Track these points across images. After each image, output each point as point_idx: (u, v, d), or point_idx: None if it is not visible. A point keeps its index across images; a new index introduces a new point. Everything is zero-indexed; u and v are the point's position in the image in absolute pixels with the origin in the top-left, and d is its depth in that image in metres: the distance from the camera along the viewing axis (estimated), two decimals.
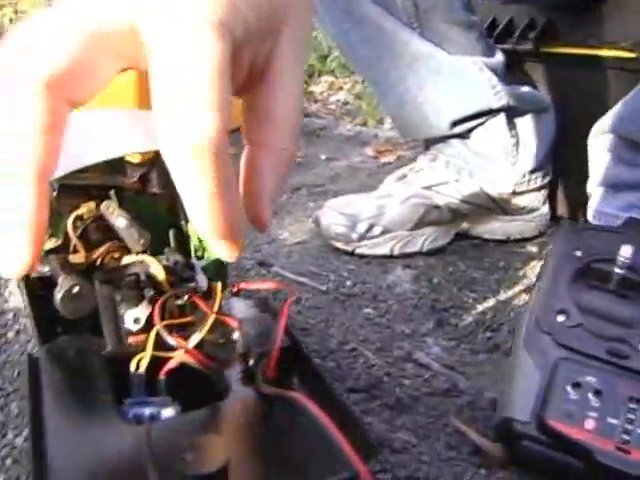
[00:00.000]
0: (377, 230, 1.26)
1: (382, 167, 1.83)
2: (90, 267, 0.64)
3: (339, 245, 1.27)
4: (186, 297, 0.59)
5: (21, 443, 0.76)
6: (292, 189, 1.64)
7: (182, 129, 0.29)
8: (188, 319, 0.58)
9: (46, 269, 0.63)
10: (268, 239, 1.35)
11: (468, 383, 0.86)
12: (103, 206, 0.62)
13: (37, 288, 0.64)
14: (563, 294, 0.75)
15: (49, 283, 0.61)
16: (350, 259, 1.26)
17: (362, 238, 1.25)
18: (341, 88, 2.72)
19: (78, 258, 0.64)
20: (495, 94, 1.24)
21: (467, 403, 0.82)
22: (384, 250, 1.26)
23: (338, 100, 2.60)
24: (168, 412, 0.49)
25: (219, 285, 0.59)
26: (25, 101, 0.30)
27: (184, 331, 0.57)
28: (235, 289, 0.61)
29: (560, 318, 0.73)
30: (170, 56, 0.29)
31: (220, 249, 0.34)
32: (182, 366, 0.52)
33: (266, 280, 0.55)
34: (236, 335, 0.54)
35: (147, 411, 0.49)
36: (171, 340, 0.51)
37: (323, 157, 1.91)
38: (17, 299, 1.07)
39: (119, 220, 0.61)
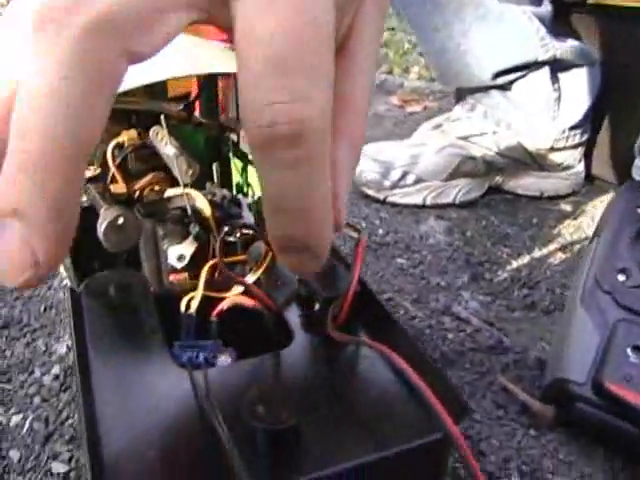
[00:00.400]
0: (410, 179, 1.21)
1: (408, 116, 1.78)
2: (130, 199, 0.60)
3: (371, 192, 1.23)
4: (239, 234, 0.55)
5: (49, 381, 0.74)
6: None
7: (284, 110, 0.23)
8: (240, 258, 0.54)
9: (85, 199, 0.59)
10: None
11: (513, 340, 0.83)
12: (152, 132, 0.58)
13: None
14: (624, 253, 0.71)
15: (88, 214, 0.57)
16: (381, 207, 1.22)
17: (395, 186, 1.21)
18: None
19: (119, 188, 0.60)
20: (542, 46, 1.19)
21: (513, 361, 0.78)
22: (416, 200, 1.22)
23: None
24: (224, 358, 0.45)
25: None
26: (65, 51, 0.22)
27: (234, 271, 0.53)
28: None
29: (621, 277, 0.69)
30: (267, 16, 0.23)
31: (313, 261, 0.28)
32: (237, 307, 0.48)
33: None
34: (296, 276, 0.50)
35: (201, 355, 0.45)
36: (233, 274, 0.47)
37: None
38: None
39: (168, 148, 0.56)
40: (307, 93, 0.23)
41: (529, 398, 0.70)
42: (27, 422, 0.69)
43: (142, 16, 0.23)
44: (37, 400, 0.71)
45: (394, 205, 1.22)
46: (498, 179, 1.29)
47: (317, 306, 0.46)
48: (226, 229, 0.50)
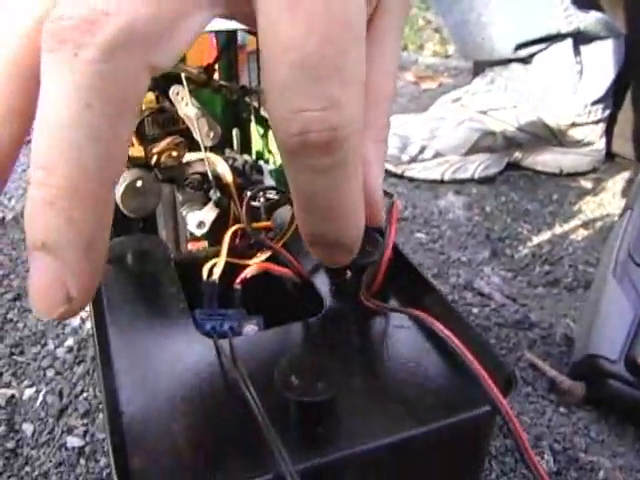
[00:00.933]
0: (429, 153, 1.19)
1: (423, 93, 1.75)
2: (148, 164, 0.58)
3: (388, 166, 1.20)
4: (262, 199, 0.52)
5: (63, 354, 0.72)
6: None
7: (316, 118, 0.21)
8: (264, 224, 0.52)
9: None
10: None
11: (539, 316, 0.80)
12: (172, 91, 0.55)
13: None
14: None
15: None
16: (398, 181, 1.19)
17: (412, 160, 1.19)
18: None
19: (137, 152, 0.57)
20: (565, 17, 1.15)
21: (540, 337, 0.76)
22: (434, 175, 1.20)
23: None
24: (251, 327, 0.43)
25: None
26: (85, 76, 0.20)
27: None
28: None
29: None
30: (294, 16, 0.21)
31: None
32: (262, 275, 0.46)
33: None
34: None
35: (226, 324, 0.43)
36: (263, 239, 0.44)
37: None
38: None
39: (189, 108, 0.54)
40: (339, 99, 0.21)
41: (558, 375, 0.68)
42: (40, 395, 0.67)
43: (164, 25, 0.21)
44: (50, 373, 0.69)
45: (412, 180, 1.20)
46: (517, 155, 1.26)
47: (349, 273, 0.43)
48: (250, 193, 0.48)
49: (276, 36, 0.21)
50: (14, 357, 0.72)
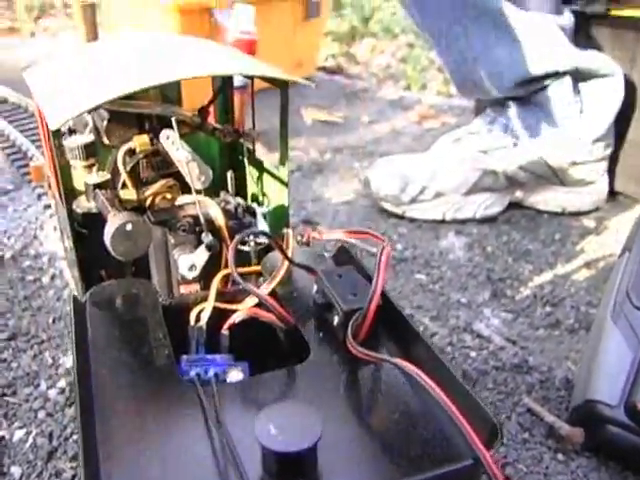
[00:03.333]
0: (429, 193, 1.18)
1: (426, 132, 1.75)
2: (141, 206, 0.58)
3: (388, 207, 1.20)
4: (253, 243, 0.52)
5: (55, 395, 0.71)
6: (333, 150, 1.57)
7: None
8: (254, 268, 0.52)
9: (92, 205, 0.57)
10: (312, 197, 1.28)
11: (537, 359, 0.79)
12: (162, 135, 0.55)
13: (82, 225, 0.57)
14: None
15: (95, 220, 0.55)
16: (399, 222, 1.19)
17: (413, 201, 1.18)
18: (383, 51, 2.63)
19: (129, 195, 0.57)
20: (564, 56, 1.16)
21: (539, 381, 0.75)
22: (436, 215, 1.19)
23: (380, 63, 2.50)
24: (235, 373, 0.42)
25: (290, 232, 0.52)
26: None
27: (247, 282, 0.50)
28: (305, 239, 0.54)
29: None
30: None
31: None
32: (250, 320, 0.45)
33: (345, 229, 0.48)
34: (314, 288, 0.47)
35: (211, 371, 0.42)
36: (248, 285, 0.44)
37: (365, 119, 1.83)
38: (53, 242, 1.02)
39: (180, 152, 0.54)
40: None
41: (557, 420, 0.67)
42: (30, 437, 0.66)
43: None
44: (42, 414, 0.69)
45: (413, 220, 1.19)
46: (519, 194, 1.26)
47: (336, 319, 0.43)
48: (239, 237, 0.47)
49: None
50: (6, 398, 0.71)
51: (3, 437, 0.66)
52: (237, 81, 0.69)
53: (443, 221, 1.20)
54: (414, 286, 0.98)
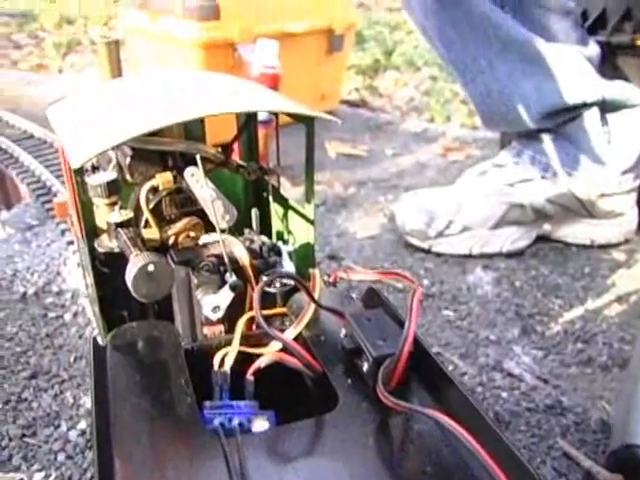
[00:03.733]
0: (456, 227, 1.17)
1: (451, 165, 1.74)
2: (164, 245, 0.56)
3: (414, 241, 1.18)
4: (278, 284, 0.50)
5: (75, 437, 0.70)
6: (358, 183, 1.56)
7: None
8: (280, 310, 0.50)
9: (114, 244, 0.55)
10: (337, 232, 1.27)
11: (572, 399, 0.77)
12: (186, 172, 0.54)
13: (104, 264, 0.56)
14: None
15: (118, 260, 0.54)
16: (425, 257, 1.17)
17: (439, 235, 1.17)
18: (406, 84, 2.63)
19: (152, 233, 0.56)
20: (591, 87, 1.14)
21: (573, 423, 0.72)
22: (462, 249, 1.17)
23: (404, 96, 2.50)
24: (261, 423, 0.40)
25: (317, 272, 0.50)
26: None
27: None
28: (332, 279, 0.52)
29: None
30: None
31: None
32: (275, 365, 0.44)
33: (374, 270, 0.46)
34: (342, 332, 0.45)
35: (235, 420, 0.40)
36: (273, 331, 0.42)
37: (389, 152, 1.83)
38: (76, 279, 1.01)
39: (204, 190, 0.53)
40: None
41: (594, 465, 0.64)
42: None
43: None
44: (61, 457, 0.67)
45: (439, 255, 1.18)
46: (547, 227, 1.24)
47: (365, 366, 0.41)
48: (265, 279, 0.46)
49: None
50: (26, 439, 0.70)
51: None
52: (261, 115, 0.68)
53: (470, 255, 1.18)
54: (441, 322, 0.96)
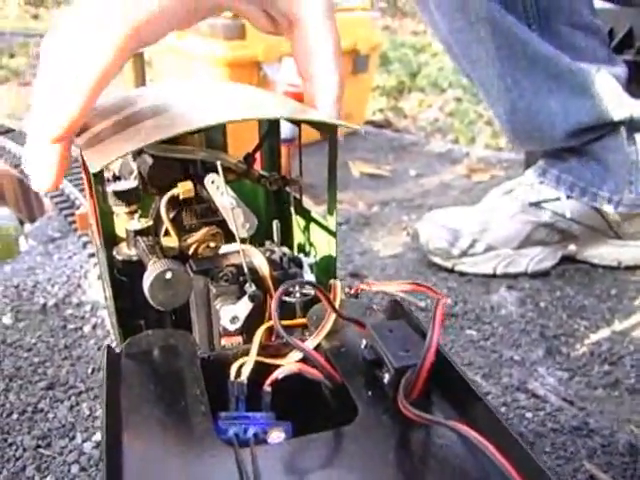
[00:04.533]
0: (480, 247, 1.15)
1: (475, 185, 1.72)
2: (183, 254, 0.56)
3: (437, 260, 1.17)
4: (298, 294, 0.49)
5: (90, 449, 0.69)
6: (381, 203, 1.55)
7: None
8: (300, 321, 0.49)
9: (133, 252, 0.55)
10: (360, 250, 1.25)
11: (598, 421, 0.74)
12: (207, 179, 0.53)
13: (122, 273, 0.55)
14: None
15: (136, 268, 0.53)
16: (449, 276, 1.15)
17: (463, 254, 1.15)
18: (430, 105, 2.63)
19: (171, 242, 0.55)
20: (618, 105, 1.13)
21: (600, 445, 0.70)
22: (486, 269, 1.15)
23: (428, 117, 2.50)
24: (277, 434, 0.39)
25: (338, 283, 0.49)
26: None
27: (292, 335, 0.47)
28: (354, 290, 0.51)
29: None
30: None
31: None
32: (294, 376, 0.42)
33: (396, 282, 0.45)
34: (363, 343, 0.44)
35: (250, 430, 0.39)
36: (292, 339, 0.41)
37: (413, 173, 1.82)
38: (96, 291, 1.01)
39: (224, 198, 0.52)
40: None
41: None
42: None
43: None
44: (75, 469, 0.66)
45: (463, 274, 1.16)
46: (572, 248, 1.22)
47: (386, 377, 0.40)
48: (284, 287, 0.45)
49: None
50: (40, 450, 0.69)
51: None
52: (284, 133, 0.67)
53: (494, 275, 1.16)
54: (464, 342, 0.94)
